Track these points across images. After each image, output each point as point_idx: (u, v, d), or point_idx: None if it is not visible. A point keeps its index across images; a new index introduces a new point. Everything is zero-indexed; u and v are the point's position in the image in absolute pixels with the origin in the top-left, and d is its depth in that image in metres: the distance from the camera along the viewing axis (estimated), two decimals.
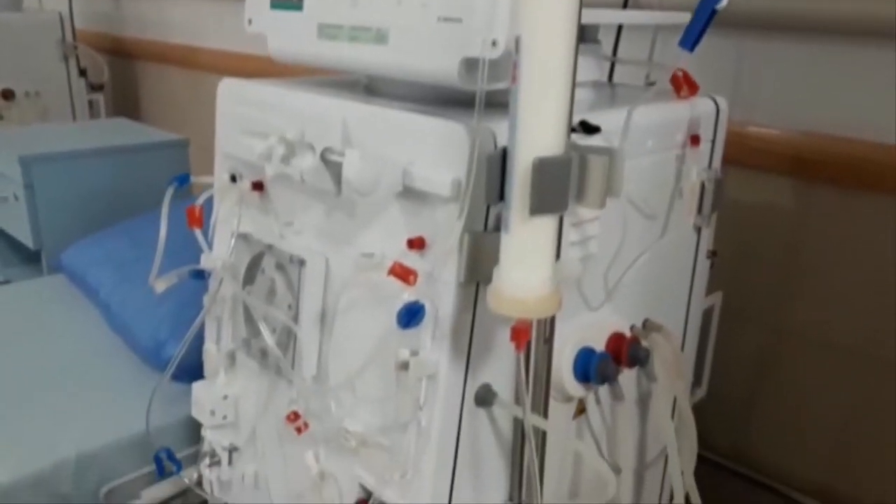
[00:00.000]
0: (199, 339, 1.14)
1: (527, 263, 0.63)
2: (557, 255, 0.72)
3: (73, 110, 2.59)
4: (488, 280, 0.77)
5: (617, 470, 1.03)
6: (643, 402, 1.13)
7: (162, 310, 1.35)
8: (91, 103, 2.69)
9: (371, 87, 0.96)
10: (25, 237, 1.83)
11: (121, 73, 2.93)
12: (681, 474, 1.03)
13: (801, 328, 1.50)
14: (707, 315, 1.33)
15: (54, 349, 1.43)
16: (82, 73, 2.64)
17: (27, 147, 1.82)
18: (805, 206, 1.46)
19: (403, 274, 0.77)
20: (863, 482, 1.45)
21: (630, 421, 0.98)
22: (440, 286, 0.77)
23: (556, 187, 0.60)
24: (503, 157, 0.62)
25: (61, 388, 1.30)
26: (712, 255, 1.24)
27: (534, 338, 0.84)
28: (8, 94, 2.43)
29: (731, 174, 1.12)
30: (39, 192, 1.78)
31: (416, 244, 0.78)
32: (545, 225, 0.62)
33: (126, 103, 2.94)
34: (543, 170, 0.59)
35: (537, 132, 0.59)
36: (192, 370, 1.14)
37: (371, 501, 0.88)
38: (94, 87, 2.73)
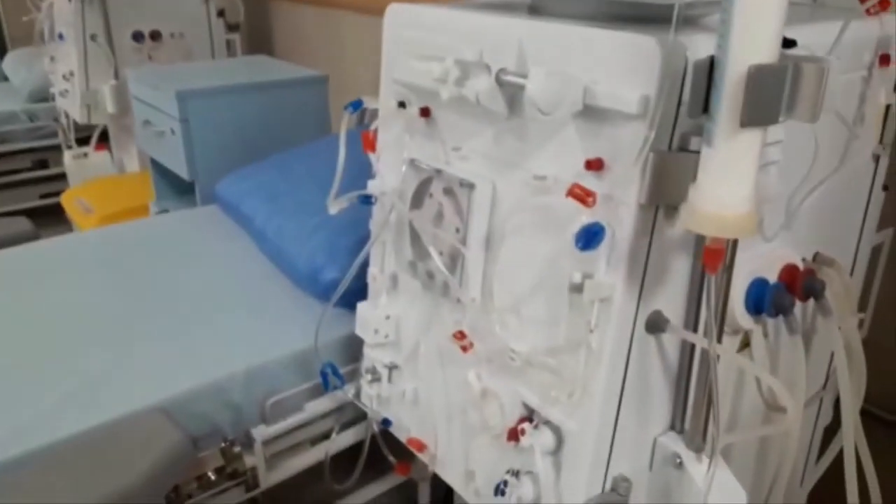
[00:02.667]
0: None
1: (729, 179, 0.61)
2: None
3: (213, 49, 2.70)
4: (669, 202, 0.76)
5: (782, 408, 1.00)
6: (807, 338, 1.08)
7: (317, 238, 1.41)
8: (228, 43, 2.80)
9: (536, 7, 0.94)
10: (181, 169, 1.95)
11: (254, 13, 3.02)
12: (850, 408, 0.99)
13: None
14: (876, 252, 1.25)
15: (216, 273, 1.53)
16: (220, 14, 2.74)
17: (181, 83, 1.91)
18: None
19: (583, 195, 0.76)
20: None
21: (802, 355, 0.95)
22: (619, 208, 0.76)
23: (769, 97, 0.57)
24: (711, 66, 0.59)
25: (228, 309, 1.39)
26: (885, 188, 1.16)
27: None
28: (156, 36, 2.56)
29: None
30: (194, 126, 1.88)
31: (595, 165, 0.77)
32: (752, 139, 0.60)
33: (260, 43, 3.04)
34: (759, 78, 0.56)
35: (753, 39, 0.56)
36: (346, 295, 1.19)
37: (535, 420, 0.90)
38: (231, 27, 2.83)
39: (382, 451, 1.25)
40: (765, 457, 1.11)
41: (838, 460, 1.06)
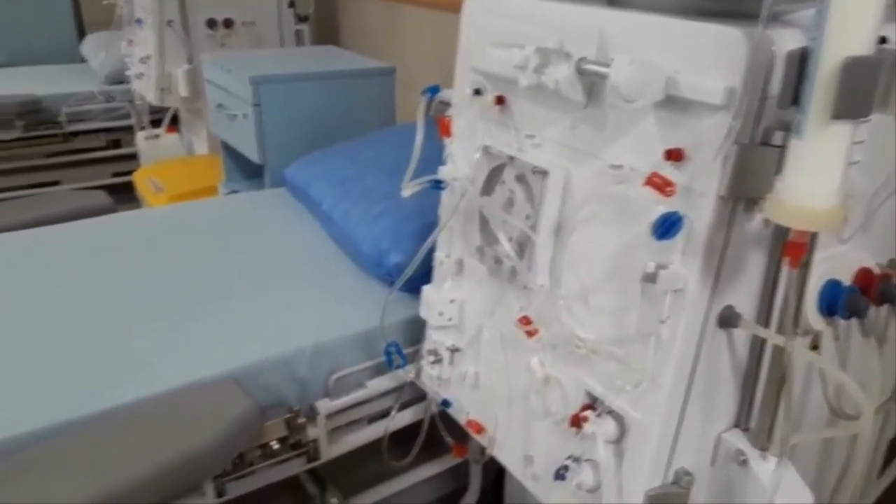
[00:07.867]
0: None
1: (818, 172, 0.61)
2: None
3: (282, 39, 2.76)
4: (749, 195, 0.76)
5: (848, 415, 0.99)
6: (878, 343, 1.06)
7: (382, 223, 1.44)
8: (297, 33, 2.85)
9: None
10: (252, 152, 2.00)
11: (322, 6, 3.07)
12: None
13: None
14: None
15: (284, 252, 1.58)
16: (291, 4, 2.81)
17: (255, 69, 1.97)
18: None
19: (661, 185, 0.77)
20: None
21: (876, 355, 0.93)
22: (698, 199, 0.76)
23: (863, 90, 0.57)
24: (802, 58, 0.59)
25: (295, 287, 1.43)
26: None
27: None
28: (228, 23, 2.64)
29: None
30: (266, 111, 1.93)
31: (675, 155, 0.77)
32: (842, 132, 0.60)
33: (327, 34, 3.09)
34: (853, 70, 0.56)
35: (849, 30, 0.56)
36: (410, 280, 1.22)
37: (599, 409, 0.91)
38: (301, 18, 2.89)
39: (439, 432, 1.28)
40: (827, 463, 1.10)
41: None
